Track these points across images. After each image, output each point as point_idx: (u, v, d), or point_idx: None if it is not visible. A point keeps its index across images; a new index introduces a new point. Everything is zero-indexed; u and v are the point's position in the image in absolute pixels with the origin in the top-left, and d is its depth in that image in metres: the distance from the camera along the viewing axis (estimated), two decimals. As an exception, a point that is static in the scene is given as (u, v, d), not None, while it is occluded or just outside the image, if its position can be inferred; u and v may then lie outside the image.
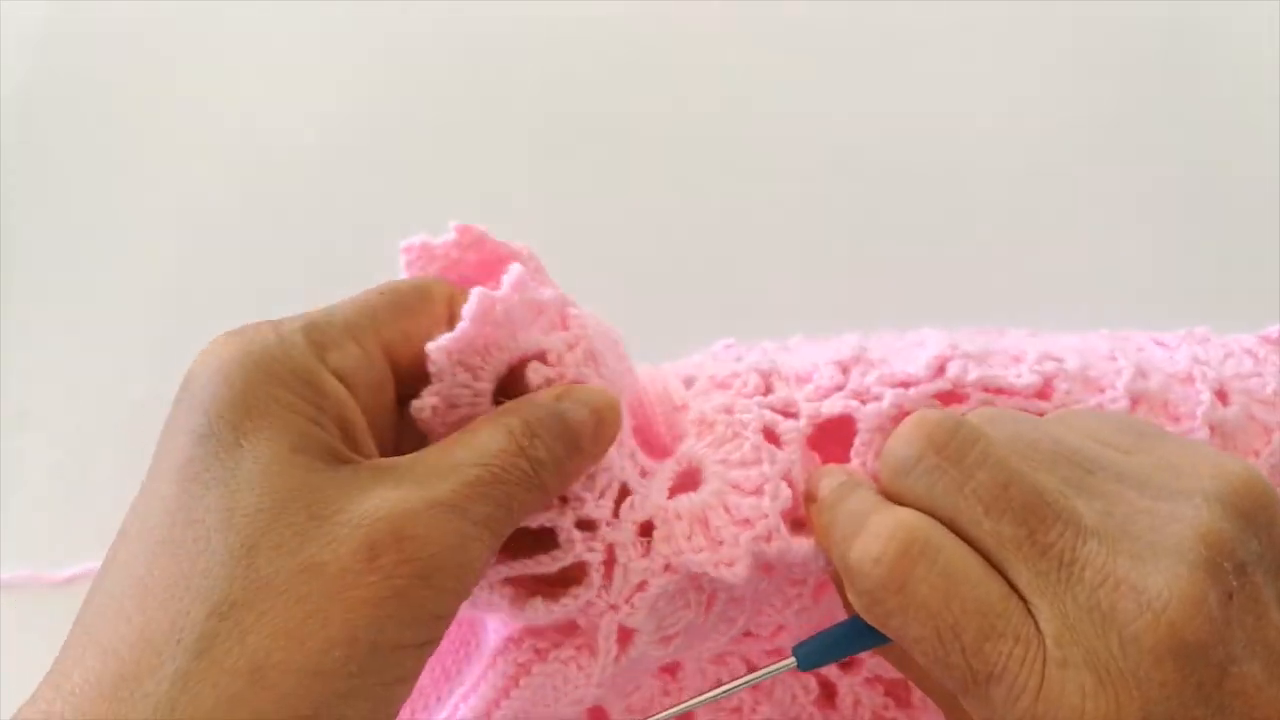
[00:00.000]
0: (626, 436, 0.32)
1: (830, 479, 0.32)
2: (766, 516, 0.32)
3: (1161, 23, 0.57)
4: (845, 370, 0.35)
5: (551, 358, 0.30)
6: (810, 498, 0.33)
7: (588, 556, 0.31)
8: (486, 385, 0.29)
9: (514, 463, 0.28)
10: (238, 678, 0.23)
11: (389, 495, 0.25)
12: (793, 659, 0.31)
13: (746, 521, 0.32)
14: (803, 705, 0.36)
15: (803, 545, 0.32)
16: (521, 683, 0.32)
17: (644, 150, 0.55)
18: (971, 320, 0.37)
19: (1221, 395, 0.36)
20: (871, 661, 0.37)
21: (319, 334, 0.28)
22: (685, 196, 0.54)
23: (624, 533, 0.31)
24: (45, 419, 0.51)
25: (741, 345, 0.38)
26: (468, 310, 0.28)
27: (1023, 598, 0.27)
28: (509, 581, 0.31)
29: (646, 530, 0.32)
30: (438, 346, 0.28)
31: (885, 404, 0.34)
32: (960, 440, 0.29)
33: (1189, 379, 0.36)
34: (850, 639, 0.31)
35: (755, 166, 0.54)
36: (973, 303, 0.51)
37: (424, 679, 0.37)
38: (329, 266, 0.49)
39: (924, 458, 0.29)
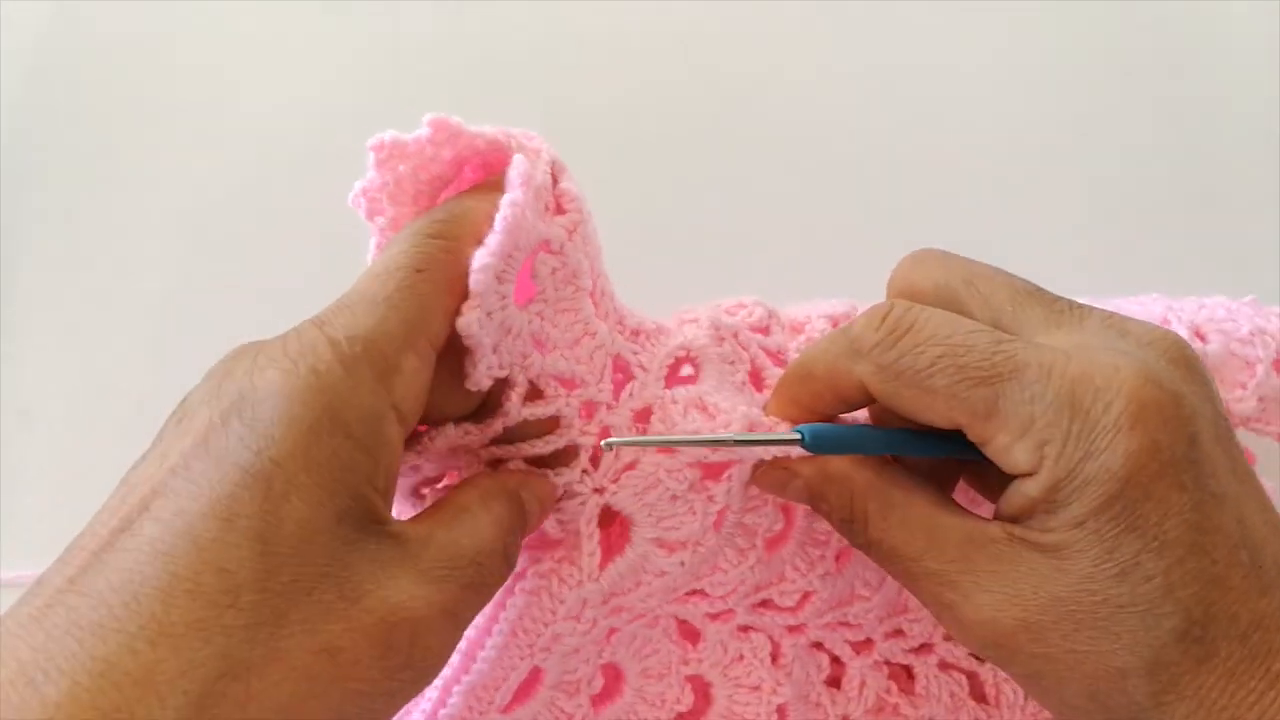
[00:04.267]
0: (610, 307, 0.33)
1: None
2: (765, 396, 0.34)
3: (1162, 19, 0.57)
4: (835, 324, 0.37)
5: (554, 246, 0.31)
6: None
7: (581, 440, 0.32)
8: (510, 287, 0.30)
9: (497, 564, 0.29)
10: None
11: (410, 591, 0.26)
12: (799, 436, 0.32)
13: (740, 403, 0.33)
14: (814, 683, 0.37)
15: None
16: (507, 603, 0.32)
17: (646, 146, 0.55)
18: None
19: (1199, 335, 0.37)
20: (883, 646, 0.37)
21: (382, 360, 0.27)
22: (686, 192, 0.54)
23: (620, 416, 0.32)
24: (45, 419, 0.52)
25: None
26: (502, 222, 0.29)
27: (1033, 336, 0.30)
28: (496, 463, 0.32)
29: (643, 416, 0.32)
30: (483, 268, 0.28)
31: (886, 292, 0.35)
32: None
33: (1165, 322, 0.37)
34: (866, 437, 0.32)
35: (752, 161, 0.55)
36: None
37: None
38: (329, 266, 0.49)
39: (934, 254, 0.33)
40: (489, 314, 0.29)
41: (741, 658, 0.36)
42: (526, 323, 0.31)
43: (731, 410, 0.32)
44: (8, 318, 0.52)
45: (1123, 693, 0.27)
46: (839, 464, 0.32)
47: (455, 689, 0.32)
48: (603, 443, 0.30)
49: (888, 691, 0.37)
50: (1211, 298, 0.40)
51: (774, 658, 0.36)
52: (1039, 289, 0.31)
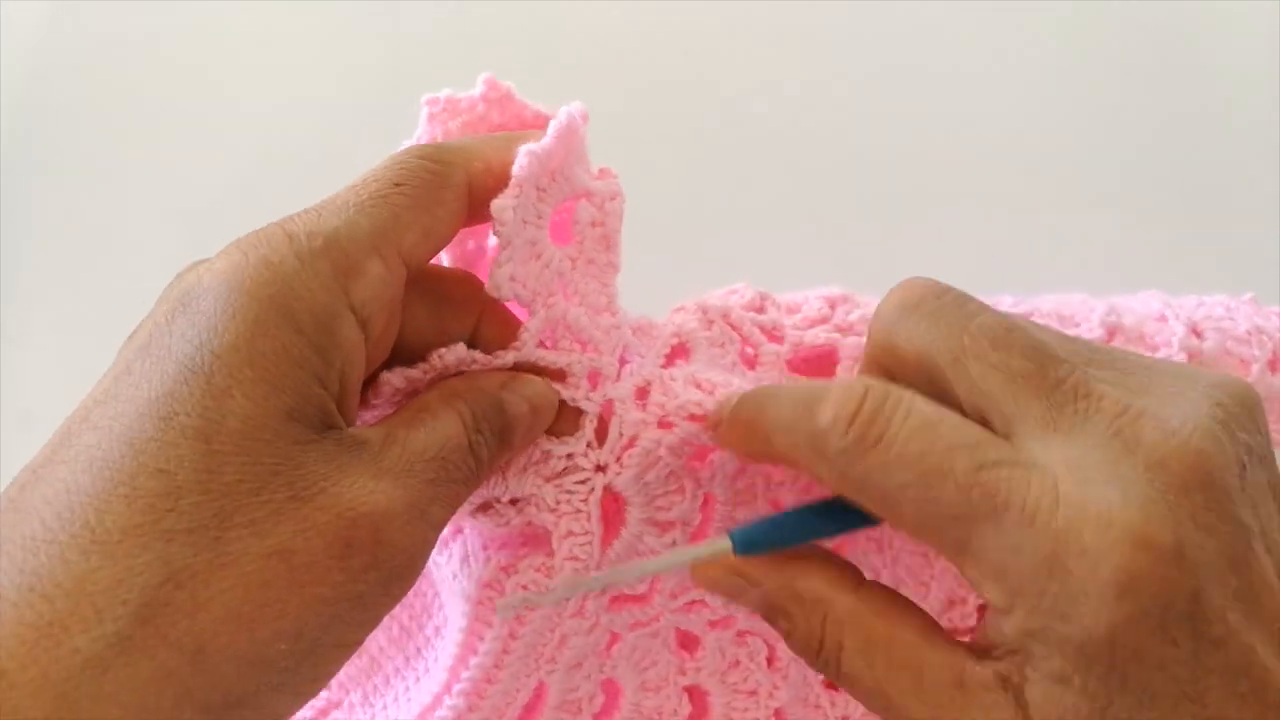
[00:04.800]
0: (619, 306, 0.33)
1: (736, 394, 0.31)
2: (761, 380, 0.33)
3: (1162, 20, 0.57)
4: (833, 305, 0.37)
5: (596, 200, 0.31)
6: (720, 417, 0.31)
7: (586, 405, 0.31)
8: (547, 209, 0.29)
9: (463, 460, 0.27)
10: (179, 654, 0.21)
11: (369, 486, 0.24)
12: (728, 542, 0.29)
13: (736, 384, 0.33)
14: (812, 685, 0.36)
15: None
16: (498, 604, 0.31)
17: (646, 146, 0.55)
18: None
19: (1196, 332, 0.37)
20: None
21: (343, 258, 0.25)
22: (686, 191, 0.54)
23: (623, 389, 0.32)
24: (45, 419, 0.51)
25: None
26: (554, 127, 0.29)
27: (1027, 439, 0.25)
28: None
29: (642, 394, 0.32)
30: (529, 153, 0.28)
31: (866, 339, 0.35)
32: (959, 293, 0.28)
33: (1162, 318, 0.37)
34: (796, 525, 0.29)
35: (752, 161, 0.55)
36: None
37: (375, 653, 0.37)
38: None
39: (924, 302, 0.27)
40: (524, 221, 0.28)
41: (738, 663, 0.36)
42: (558, 260, 0.30)
43: (727, 385, 0.32)
44: (8, 318, 0.52)
45: None
46: (812, 584, 0.28)
47: (447, 699, 0.32)
48: (499, 603, 0.30)
49: None
50: (1211, 296, 0.39)
51: (770, 661, 0.36)
52: (1042, 364, 0.26)
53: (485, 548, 0.32)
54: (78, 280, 0.53)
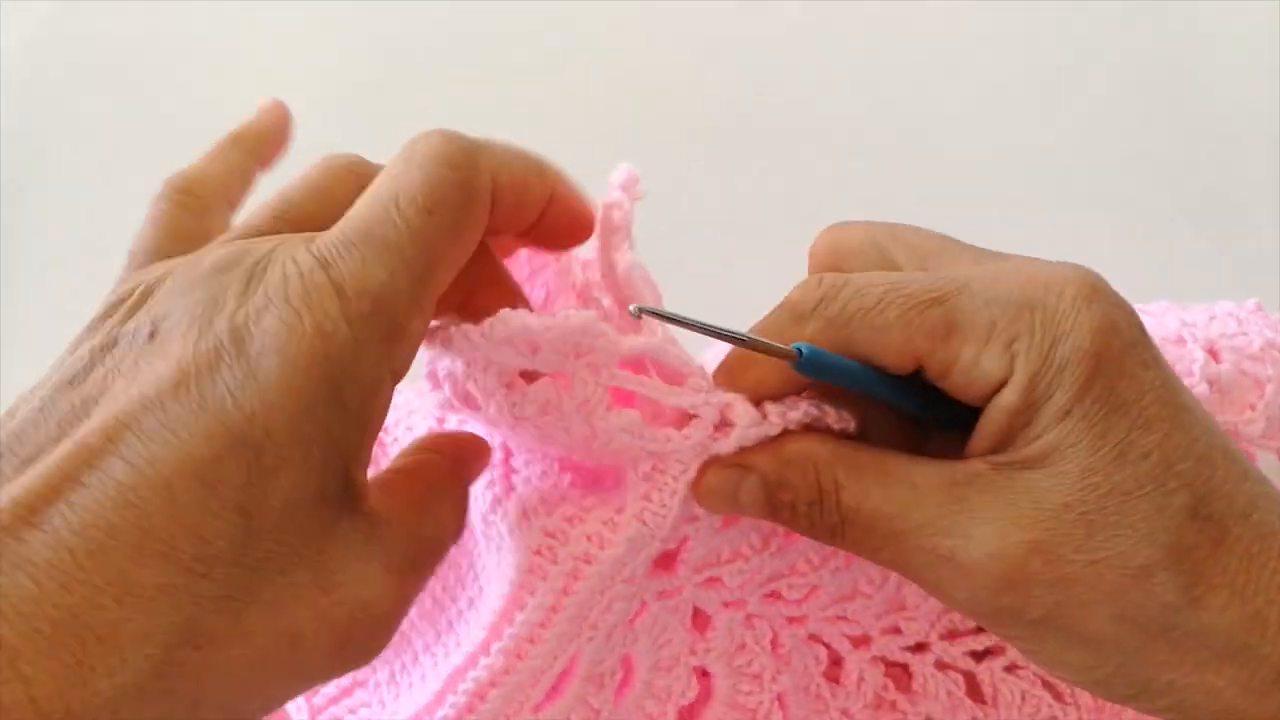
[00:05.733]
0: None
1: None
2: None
3: (1164, 23, 0.57)
4: None
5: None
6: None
7: (705, 410, 0.30)
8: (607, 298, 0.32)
9: (453, 543, 0.29)
10: (180, 706, 0.22)
11: (379, 583, 0.25)
12: (797, 352, 0.29)
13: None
14: (813, 675, 0.37)
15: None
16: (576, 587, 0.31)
17: (647, 147, 0.55)
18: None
19: (1213, 354, 0.37)
20: (880, 642, 0.37)
21: (390, 323, 0.24)
22: (686, 191, 0.54)
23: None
24: (45, 418, 0.52)
25: None
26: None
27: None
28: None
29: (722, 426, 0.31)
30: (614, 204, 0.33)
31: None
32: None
33: (1180, 340, 0.37)
34: (860, 372, 0.30)
35: (753, 162, 0.55)
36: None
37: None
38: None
39: (848, 223, 0.33)
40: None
41: (744, 646, 0.36)
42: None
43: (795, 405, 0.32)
44: (8, 318, 0.52)
45: (1151, 596, 0.25)
46: (795, 445, 0.30)
47: (492, 694, 0.31)
48: (631, 307, 0.28)
49: (885, 688, 0.37)
50: (1220, 305, 0.39)
51: (774, 645, 0.36)
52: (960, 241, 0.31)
53: (544, 501, 0.32)
54: (78, 280, 0.53)
